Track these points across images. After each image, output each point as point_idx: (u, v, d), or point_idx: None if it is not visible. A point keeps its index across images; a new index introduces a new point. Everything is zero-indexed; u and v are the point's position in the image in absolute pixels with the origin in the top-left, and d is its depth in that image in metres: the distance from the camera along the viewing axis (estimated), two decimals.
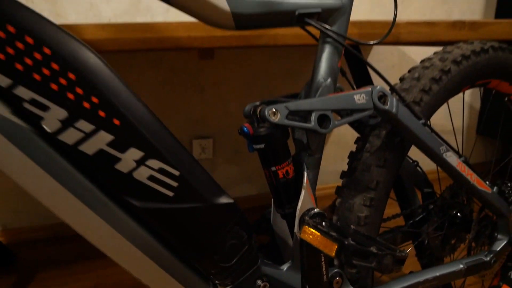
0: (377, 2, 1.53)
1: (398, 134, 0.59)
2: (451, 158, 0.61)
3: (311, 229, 0.38)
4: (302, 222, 0.41)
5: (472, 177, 0.65)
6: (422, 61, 0.66)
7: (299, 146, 0.55)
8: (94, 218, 0.38)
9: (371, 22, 0.74)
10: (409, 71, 0.65)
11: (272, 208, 0.56)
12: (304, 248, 0.42)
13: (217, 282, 0.46)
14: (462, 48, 0.66)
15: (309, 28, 0.55)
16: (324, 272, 0.46)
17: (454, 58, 0.64)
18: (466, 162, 0.64)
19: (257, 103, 0.52)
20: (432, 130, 0.60)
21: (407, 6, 1.59)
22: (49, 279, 1.19)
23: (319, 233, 0.37)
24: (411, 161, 0.81)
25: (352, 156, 0.62)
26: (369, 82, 1.06)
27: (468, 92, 1.73)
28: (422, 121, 0.58)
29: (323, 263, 0.45)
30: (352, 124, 0.65)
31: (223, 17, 0.44)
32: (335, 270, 0.55)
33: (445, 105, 0.66)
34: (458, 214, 0.78)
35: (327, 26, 0.52)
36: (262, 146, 0.49)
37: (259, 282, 0.49)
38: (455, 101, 0.72)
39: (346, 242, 0.34)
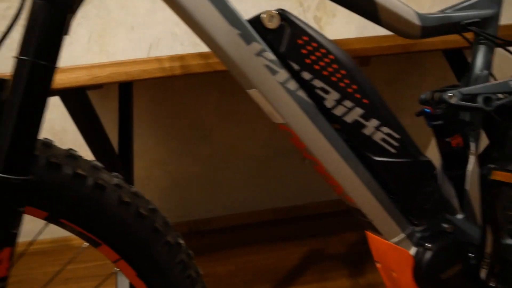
0: None
1: None
2: None
3: (501, 172, 0.53)
4: (486, 172, 0.56)
5: None
6: None
7: (463, 124, 0.70)
8: (343, 164, 0.57)
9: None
10: None
11: (440, 174, 0.72)
12: (487, 191, 0.57)
13: (415, 222, 0.63)
14: None
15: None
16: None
17: None
18: None
19: (429, 92, 0.69)
20: None
21: None
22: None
23: (509, 173, 0.51)
24: None
25: (500, 137, 0.76)
26: None
27: None
28: None
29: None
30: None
31: (415, 30, 0.63)
32: None
33: None
34: None
35: (484, 31, 0.68)
36: (440, 122, 0.65)
37: (445, 225, 0.64)
38: None
39: None
